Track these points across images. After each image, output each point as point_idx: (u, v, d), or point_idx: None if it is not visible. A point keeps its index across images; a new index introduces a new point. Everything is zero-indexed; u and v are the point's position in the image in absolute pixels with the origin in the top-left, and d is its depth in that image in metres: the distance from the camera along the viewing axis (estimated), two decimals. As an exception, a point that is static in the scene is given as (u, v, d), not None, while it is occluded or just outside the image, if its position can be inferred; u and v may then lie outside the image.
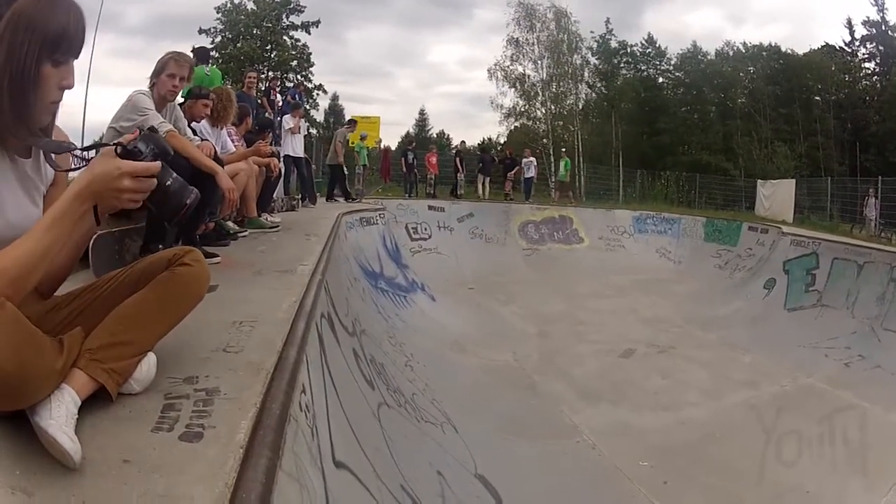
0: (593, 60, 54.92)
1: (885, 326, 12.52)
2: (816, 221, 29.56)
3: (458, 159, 29.41)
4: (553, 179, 29.44)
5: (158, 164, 2.23)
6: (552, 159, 45.22)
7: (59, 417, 2.01)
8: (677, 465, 8.42)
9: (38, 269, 2.14)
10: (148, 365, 2.52)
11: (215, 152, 6.38)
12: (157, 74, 5.79)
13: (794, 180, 36.66)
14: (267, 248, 6.98)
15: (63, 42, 2.18)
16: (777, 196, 34.10)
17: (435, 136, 73.81)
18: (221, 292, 4.30)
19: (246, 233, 8.10)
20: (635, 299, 19.04)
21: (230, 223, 7.97)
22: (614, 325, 15.94)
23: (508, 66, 49.34)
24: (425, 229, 21.53)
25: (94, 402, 2.27)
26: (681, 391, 11.34)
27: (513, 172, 30.15)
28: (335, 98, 64.66)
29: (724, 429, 9.70)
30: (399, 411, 6.56)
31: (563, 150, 33.13)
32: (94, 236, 4.71)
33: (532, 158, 29.79)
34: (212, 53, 43.78)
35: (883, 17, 52.67)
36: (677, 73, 58.03)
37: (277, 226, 9.09)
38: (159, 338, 2.58)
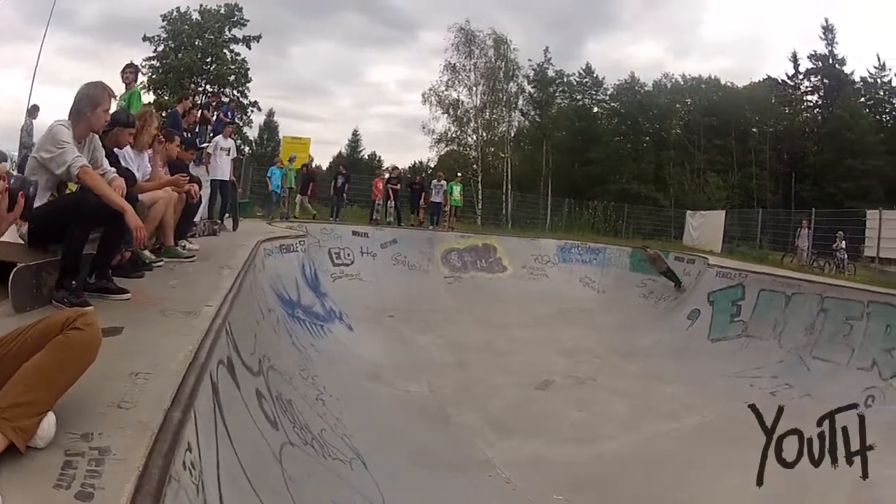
0: (529, 88, 55.66)
1: (814, 355, 12.80)
2: (746, 251, 30.20)
3: (389, 186, 29.21)
4: (446, 206, 29.20)
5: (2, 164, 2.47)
6: (479, 185, 45.50)
7: None
8: (593, 499, 8.50)
9: None
10: (48, 423, 2.70)
11: (133, 183, 6.45)
12: (91, 108, 5.78)
13: (723, 211, 37.61)
14: (179, 283, 6.99)
15: None
16: (706, 226, 35.00)
17: (367, 157, 73.85)
18: (126, 335, 4.41)
19: (161, 262, 8.10)
20: (557, 329, 19.14)
21: (147, 252, 7.97)
22: (534, 356, 15.97)
23: (443, 92, 49.72)
24: (348, 255, 21.47)
25: (5, 456, 2.49)
26: (599, 423, 11.41)
27: (422, 199, 30.02)
28: (271, 114, 64.41)
29: (642, 461, 9.79)
30: (305, 450, 6.53)
31: (458, 174, 33.05)
32: (14, 270, 4.81)
33: (443, 182, 29.58)
34: (153, 63, 43.66)
35: (831, 51, 54.61)
36: (613, 104, 59.10)
37: (194, 256, 9.08)
38: (57, 398, 2.77)
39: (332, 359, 12.29)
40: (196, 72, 47.59)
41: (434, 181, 30.53)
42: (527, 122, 57.21)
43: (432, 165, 55.88)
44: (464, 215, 34.80)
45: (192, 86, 43.12)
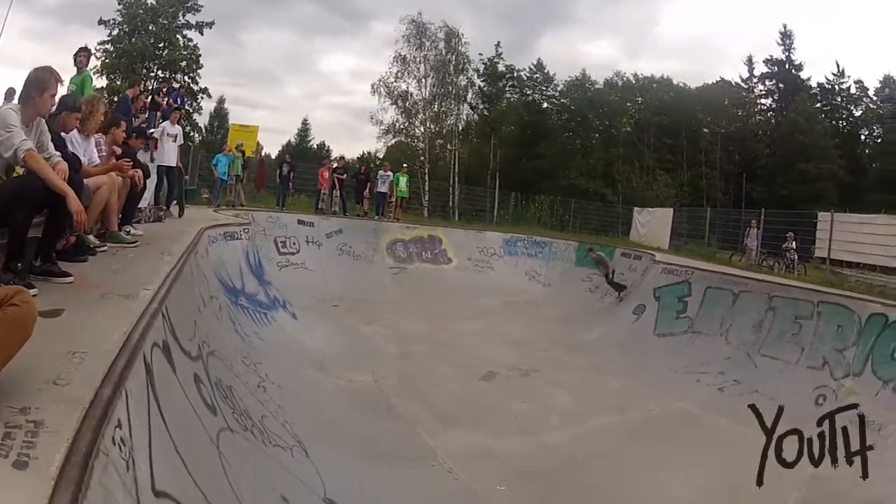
0: (479, 82, 55.86)
1: (762, 353, 12.79)
2: (693, 249, 30.50)
3: (335, 176, 29.22)
4: (392, 196, 29.30)
5: None
6: (426, 176, 45.57)
7: None
8: (536, 490, 8.62)
9: None
10: None
11: (78, 168, 6.48)
12: (39, 92, 5.82)
13: (671, 209, 38.22)
14: (120, 267, 7.02)
15: None
16: (653, 223, 35.39)
17: (315, 147, 73.52)
18: (65, 317, 4.51)
19: (105, 247, 8.11)
20: (502, 321, 19.29)
21: (91, 237, 8.00)
22: (478, 348, 16.11)
23: (392, 83, 49.54)
24: (294, 244, 21.49)
25: None
26: (543, 415, 11.51)
27: (367, 190, 30.10)
28: (221, 101, 63.90)
29: (586, 453, 9.91)
30: (244, 436, 6.59)
31: (405, 165, 33.11)
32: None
33: (389, 173, 29.81)
34: (107, 47, 42.92)
35: (788, 57, 55.56)
36: (563, 100, 59.46)
37: (136, 241, 9.09)
38: None
39: (276, 347, 12.29)
40: (148, 57, 46.84)
41: (381, 172, 30.70)
42: (476, 116, 57.40)
43: (380, 156, 55.71)
44: (410, 207, 34.96)
45: (144, 71, 42.60)
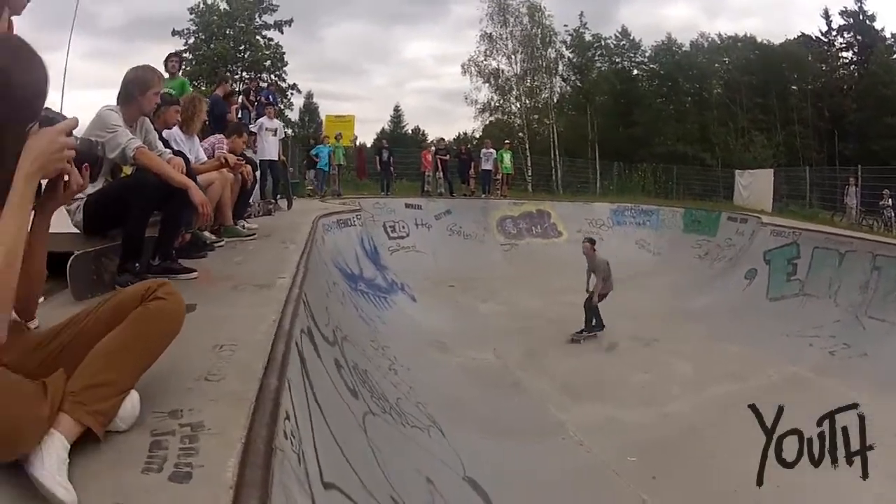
0: (567, 54, 54.78)
1: (869, 314, 12.49)
2: (796, 210, 29.45)
3: (437, 157, 28.93)
4: (497, 174, 28.90)
5: (75, 117, 2.25)
6: (527, 151, 45.15)
7: (50, 466, 2.00)
8: (663, 460, 8.45)
9: (14, 267, 2.07)
10: (132, 403, 2.48)
11: (187, 165, 6.31)
12: (142, 91, 5.64)
13: (772, 170, 36.63)
14: (244, 259, 6.89)
15: (35, 107, 2.17)
16: (755, 186, 34.14)
17: (410, 132, 73.56)
18: (200, 312, 4.24)
19: (223, 242, 8.00)
20: (616, 292, 18.74)
21: (206, 233, 7.87)
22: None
23: (482, 62, 48.94)
24: (403, 227, 21.37)
25: (86, 441, 2.24)
26: (665, 385, 11.35)
27: (471, 169, 29.58)
28: (310, 96, 64.27)
29: (708, 423, 9.73)
30: (384, 418, 6.51)
31: (507, 141, 32.66)
32: (72, 258, 4.65)
33: (491, 150, 29.16)
34: (185, 55, 43.54)
35: (860, 7, 53.14)
36: (652, 65, 57.94)
37: (254, 233, 8.99)
38: (139, 375, 2.54)
39: (399, 330, 12.28)
40: (230, 60, 47.28)
41: (483, 150, 30.13)
42: (568, 88, 56.34)
43: (477, 136, 55.27)
44: (514, 183, 34.44)
45: (228, 73, 43.12)
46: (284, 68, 51.27)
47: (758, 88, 52.40)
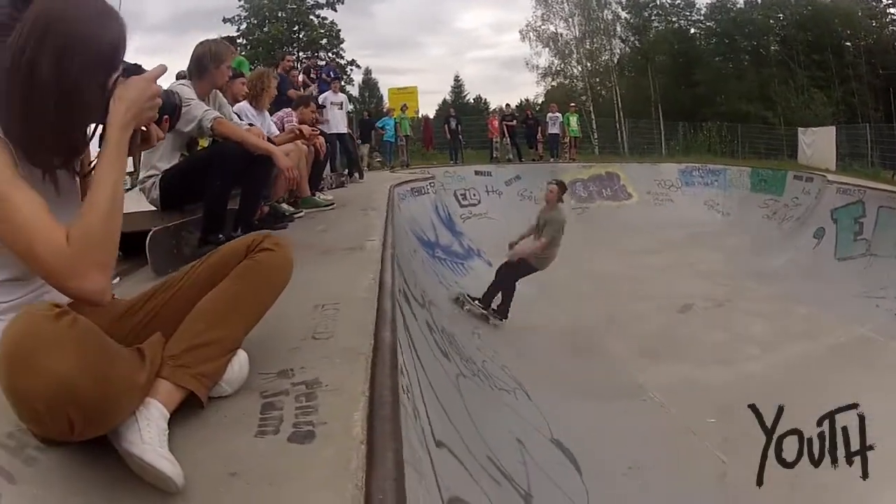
0: (624, 15, 54.27)
1: None
2: (859, 169, 28.89)
3: (504, 124, 28.87)
4: (565, 137, 28.74)
5: (162, 64, 2.19)
6: (592, 114, 44.85)
7: (151, 440, 1.85)
8: (740, 421, 8.55)
9: (118, 216, 2.01)
10: (239, 363, 2.39)
11: (265, 136, 6.28)
12: (215, 64, 5.64)
13: (833, 128, 35.91)
14: (327, 227, 6.86)
15: (116, 59, 2.07)
16: (818, 144, 33.54)
17: (472, 101, 73.22)
18: (294, 274, 4.17)
19: (301, 213, 7.99)
20: (688, 253, 19.02)
21: (284, 205, 7.87)
22: (670, 281, 15.93)
23: (540, 26, 48.77)
24: (474, 195, 21.39)
25: (182, 409, 2.12)
26: (740, 345, 11.41)
27: (538, 133, 29.50)
28: (368, 72, 64.34)
29: (784, 382, 9.77)
30: (474, 380, 6.59)
31: (572, 104, 32.43)
32: (150, 233, 4.61)
33: (557, 114, 28.88)
34: (239, 41, 43.80)
35: None
36: (708, 23, 57.08)
37: (332, 203, 8.97)
38: (247, 332, 2.44)
39: (477, 294, 12.28)
40: (286, 42, 47.44)
41: (549, 114, 29.82)
42: (627, 49, 55.74)
43: (540, 101, 55.04)
44: (581, 146, 34.19)
45: (285, 54, 43.33)
46: (341, 45, 51.38)
47: (813, 45, 51.17)
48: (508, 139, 28.52)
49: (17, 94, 1.90)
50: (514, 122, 29.45)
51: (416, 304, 5.56)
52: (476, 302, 11.92)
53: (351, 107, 43.38)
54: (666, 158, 32.41)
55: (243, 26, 47.69)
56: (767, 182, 23.66)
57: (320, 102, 15.82)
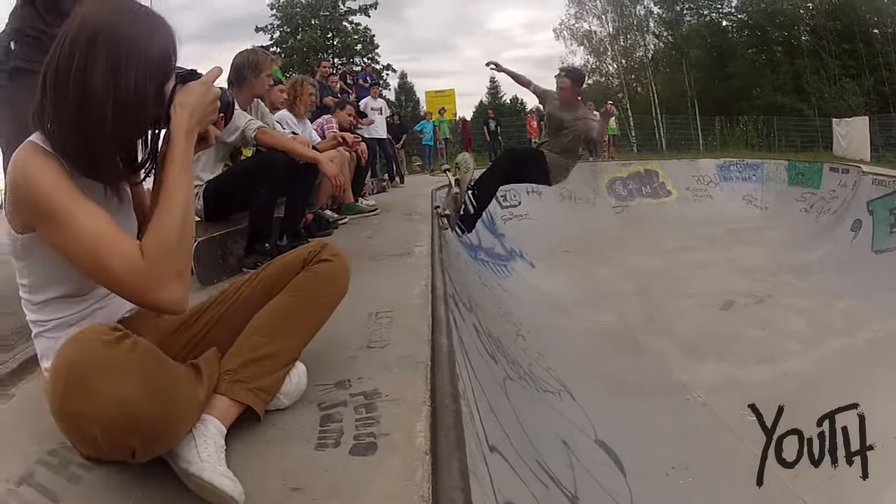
0: (656, 10, 54.11)
1: None
2: (893, 159, 28.53)
3: (542, 124, 28.84)
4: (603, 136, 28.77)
5: (218, 66, 2.22)
6: (629, 111, 44.68)
7: (209, 457, 1.86)
8: (784, 418, 8.31)
9: (191, 224, 2.05)
10: (298, 375, 2.41)
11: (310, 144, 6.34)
12: (255, 73, 5.73)
13: (867, 118, 35.46)
14: (373, 233, 6.95)
15: (169, 64, 2.08)
16: (852, 134, 33.21)
17: (509, 102, 73.15)
18: (345, 283, 4.22)
19: (346, 219, 8.08)
20: (728, 249, 18.76)
21: (328, 212, 7.94)
22: (710, 277, 15.69)
23: (574, 24, 48.74)
24: (514, 196, 21.20)
25: (239, 423, 2.14)
26: (781, 342, 11.18)
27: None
28: (404, 76, 64.48)
29: (823, 379, 9.60)
30: (520, 383, 6.55)
31: (609, 103, 32.33)
32: (196, 243, 4.66)
33: (595, 112, 28.66)
34: (273, 49, 44.09)
35: None
36: (740, 15, 56.69)
37: (376, 208, 9.04)
38: (305, 344, 2.46)
39: (520, 296, 12.32)
40: (320, 48, 47.63)
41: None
42: (661, 44, 55.57)
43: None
44: (619, 144, 34.06)
45: (321, 60, 43.48)
46: (376, 50, 51.56)
47: (843, 34, 50.59)
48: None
49: (70, 107, 1.90)
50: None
51: (464, 307, 5.57)
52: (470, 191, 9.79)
53: (389, 112, 43.69)
54: (703, 154, 32.14)
55: (276, 35, 48.00)
56: (804, 175, 23.28)
57: (360, 108, 15.94)
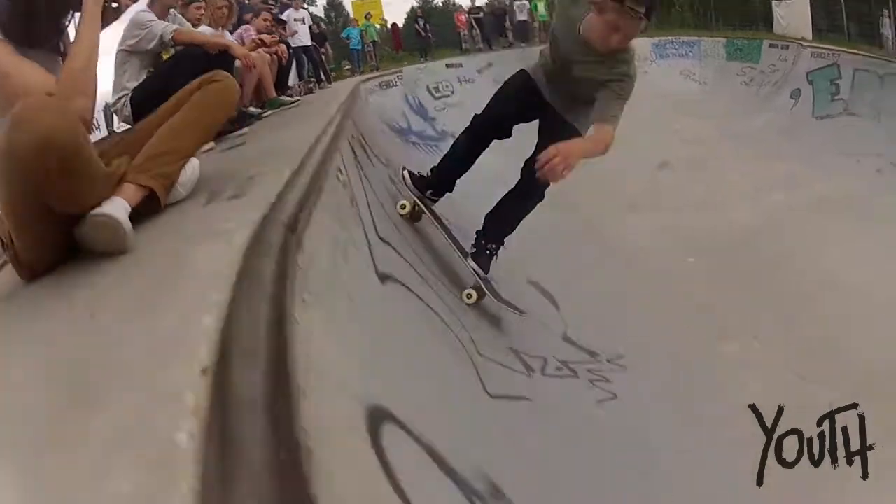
0: None
1: None
2: (835, 39, 28.72)
3: (472, 17, 28.82)
4: (534, 22, 28.68)
5: None
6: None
7: (108, 206, 2.37)
8: (719, 260, 8.85)
9: (95, 59, 2.67)
10: (192, 167, 2.97)
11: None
12: None
13: (807, -1, 35.55)
14: (292, 116, 7.33)
15: None
16: (792, 14, 33.23)
17: (441, 4, 72.02)
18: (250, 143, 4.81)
19: (268, 113, 8.39)
20: (666, 121, 18.43)
21: (251, 108, 8.30)
22: (652, 144, 15.41)
23: None
24: (447, 87, 21.14)
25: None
26: (722, 196, 11.65)
27: (507, 22, 29.38)
28: (331, -8, 63.19)
29: (764, 227, 10.00)
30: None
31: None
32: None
33: (524, 1, 28.78)
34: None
35: None
36: None
37: (298, 101, 9.37)
38: (200, 144, 3.08)
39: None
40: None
41: (516, 2, 29.67)
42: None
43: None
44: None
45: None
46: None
47: None
48: (478, 31, 28.42)
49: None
50: (481, 13, 29.29)
51: (377, 159, 5.94)
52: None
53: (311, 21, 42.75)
54: (638, 34, 32.00)
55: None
56: (743, 51, 23.80)
57: (283, 19, 16.06)
